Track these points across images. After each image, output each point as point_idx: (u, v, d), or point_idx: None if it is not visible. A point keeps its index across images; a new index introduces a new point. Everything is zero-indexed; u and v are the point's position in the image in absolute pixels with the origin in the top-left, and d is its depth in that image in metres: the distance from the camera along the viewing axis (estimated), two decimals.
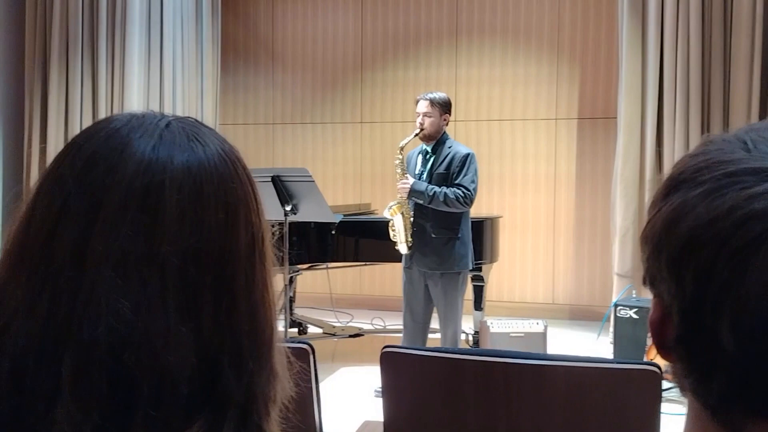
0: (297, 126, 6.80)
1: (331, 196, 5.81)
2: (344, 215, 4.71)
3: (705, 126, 4.66)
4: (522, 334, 4.15)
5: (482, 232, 4.62)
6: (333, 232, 4.61)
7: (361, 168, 6.59)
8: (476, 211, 5.96)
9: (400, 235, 3.79)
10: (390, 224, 3.84)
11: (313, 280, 5.81)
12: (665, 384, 1.57)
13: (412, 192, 3.71)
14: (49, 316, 0.55)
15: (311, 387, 1.61)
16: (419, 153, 3.89)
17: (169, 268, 0.55)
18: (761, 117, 4.48)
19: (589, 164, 6.03)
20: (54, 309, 0.55)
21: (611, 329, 4.43)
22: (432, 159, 3.81)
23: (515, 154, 6.21)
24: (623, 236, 4.83)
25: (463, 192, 3.69)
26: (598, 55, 6.00)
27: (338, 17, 6.65)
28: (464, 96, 6.33)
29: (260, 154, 6.73)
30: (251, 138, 6.85)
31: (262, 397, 0.61)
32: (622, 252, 4.85)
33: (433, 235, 3.75)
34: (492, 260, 4.74)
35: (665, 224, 0.47)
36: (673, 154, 4.69)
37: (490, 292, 5.37)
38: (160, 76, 5.50)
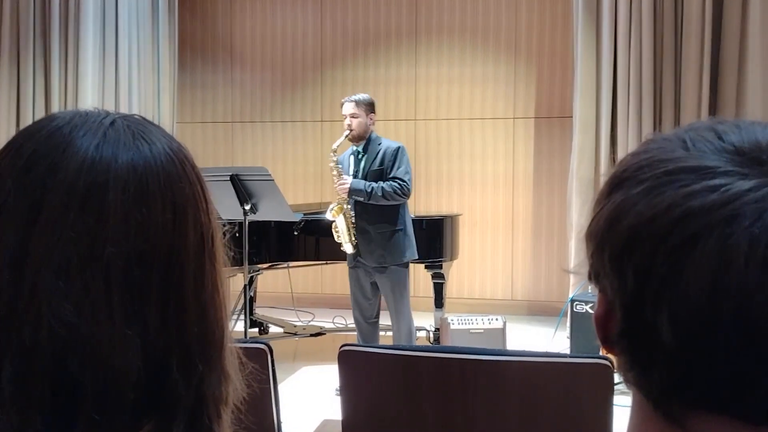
0: (256, 124, 6.74)
1: (291, 195, 5.77)
2: (304, 214, 4.69)
3: (657, 124, 4.78)
4: (482, 331, 4.20)
5: (442, 229, 4.65)
6: (296, 233, 4.59)
7: (322, 167, 6.56)
8: (436, 209, 6.03)
9: (344, 236, 3.86)
10: (333, 226, 3.88)
11: (273, 280, 5.77)
12: (617, 377, 1.61)
13: (352, 191, 3.79)
14: None
15: (269, 387, 1.60)
16: (350, 154, 3.98)
17: (113, 270, 0.54)
18: (710, 115, 4.62)
19: (546, 163, 6.12)
20: None
21: (568, 324, 4.51)
22: (364, 158, 3.90)
23: (474, 153, 6.27)
24: (579, 233, 4.92)
25: (399, 184, 3.78)
26: (554, 56, 6.10)
27: (297, 15, 6.61)
28: (423, 95, 6.36)
29: (219, 152, 6.65)
30: (210, 136, 6.76)
31: (213, 400, 0.60)
32: (578, 249, 4.94)
33: (377, 231, 3.82)
34: (452, 258, 4.77)
35: (608, 221, 0.48)
36: (627, 152, 4.76)
37: (451, 289, 5.42)
38: (116, 74, 5.39)
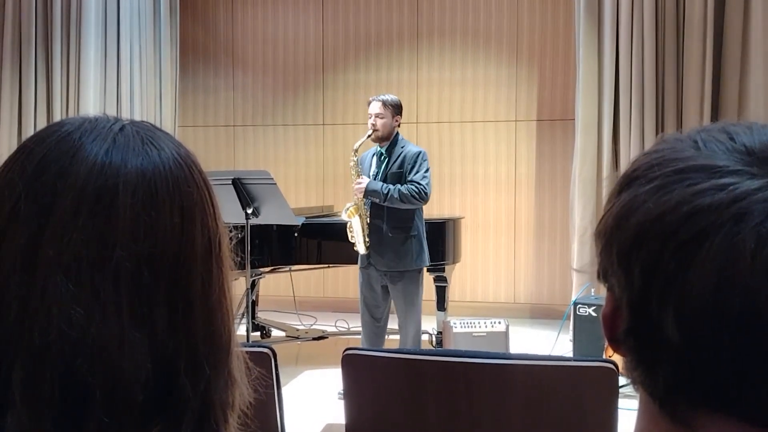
0: (258, 128, 6.75)
1: (293, 199, 5.78)
2: (306, 217, 4.69)
3: (659, 126, 4.78)
4: (484, 334, 4.19)
5: (445, 232, 4.65)
6: (296, 234, 4.60)
7: (323, 170, 6.57)
8: (438, 212, 6.03)
9: (358, 236, 3.83)
10: (348, 226, 3.86)
11: (276, 283, 5.76)
12: (622, 380, 1.61)
13: (368, 192, 3.76)
14: None
15: (272, 392, 1.60)
16: (373, 155, 3.94)
17: (122, 273, 0.55)
18: (713, 117, 4.63)
19: (548, 165, 6.12)
20: (4, 315, 0.54)
21: (571, 327, 4.51)
22: (386, 160, 3.87)
23: (476, 156, 6.27)
24: (582, 236, 4.92)
25: (416, 188, 3.76)
26: (556, 58, 6.10)
27: (299, 19, 6.62)
28: (425, 98, 6.37)
29: (221, 156, 6.66)
30: (211, 140, 6.77)
31: (220, 404, 0.60)
32: (581, 251, 4.94)
33: (390, 234, 3.80)
34: (455, 261, 4.77)
35: (616, 219, 0.48)
36: (629, 154, 4.80)
37: (453, 293, 5.41)
38: (117, 78, 5.41)
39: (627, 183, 0.50)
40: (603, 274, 0.51)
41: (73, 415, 0.53)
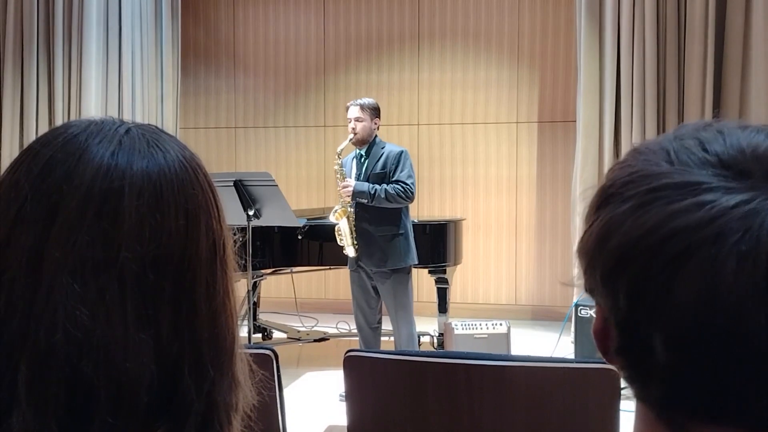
0: (259, 130, 6.75)
1: (295, 200, 5.78)
2: (308, 219, 4.70)
3: (661, 128, 4.78)
4: (486, 336, 4.19)
5: (446, 234, 4.65)
6: (300, 237, 4.61)
7: (325, 172, 6.57)
8: (440, 213, 6.03)
9: (346, 239, 3.87)
10: (336, 229, 3.89)
11: (277, 285, 5.77)
12: (623, 382, 1.61)
13: (355, 193, 3.81)
14: (5, 323, 0.54)
15: (275, 393, 1.60)
16: (353, 158, 4.01)
17: (127, 275, 0.55)
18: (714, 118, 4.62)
19: (549, 167, 6.12)
20: (10, 316, 0.54)
21: (572, 329, 4.51)
22: (366, 161, 3.92)
23: (477, 158, 6.27)
24: None
25: (402, 187, 3.81)
26: (557, 60, 6.10)
27: (300, 21, 6.63)
28: (426, 100, 6.37)
29: (222, 158, 6.67)
30: (213, 142, 6.78)
31: (224, 406, 0.60)
32: None
33: (378, 234, 3.83)
34: (456, 262, 4.77)
35: (596, 241, 0.48)
36: None
37: (454, 294, 5.41)
38: (119, 79, 5.41)
39: (604, 199, 0.49)
40: (590, 291, 0.51)
41: (77, 415, 0.53)
